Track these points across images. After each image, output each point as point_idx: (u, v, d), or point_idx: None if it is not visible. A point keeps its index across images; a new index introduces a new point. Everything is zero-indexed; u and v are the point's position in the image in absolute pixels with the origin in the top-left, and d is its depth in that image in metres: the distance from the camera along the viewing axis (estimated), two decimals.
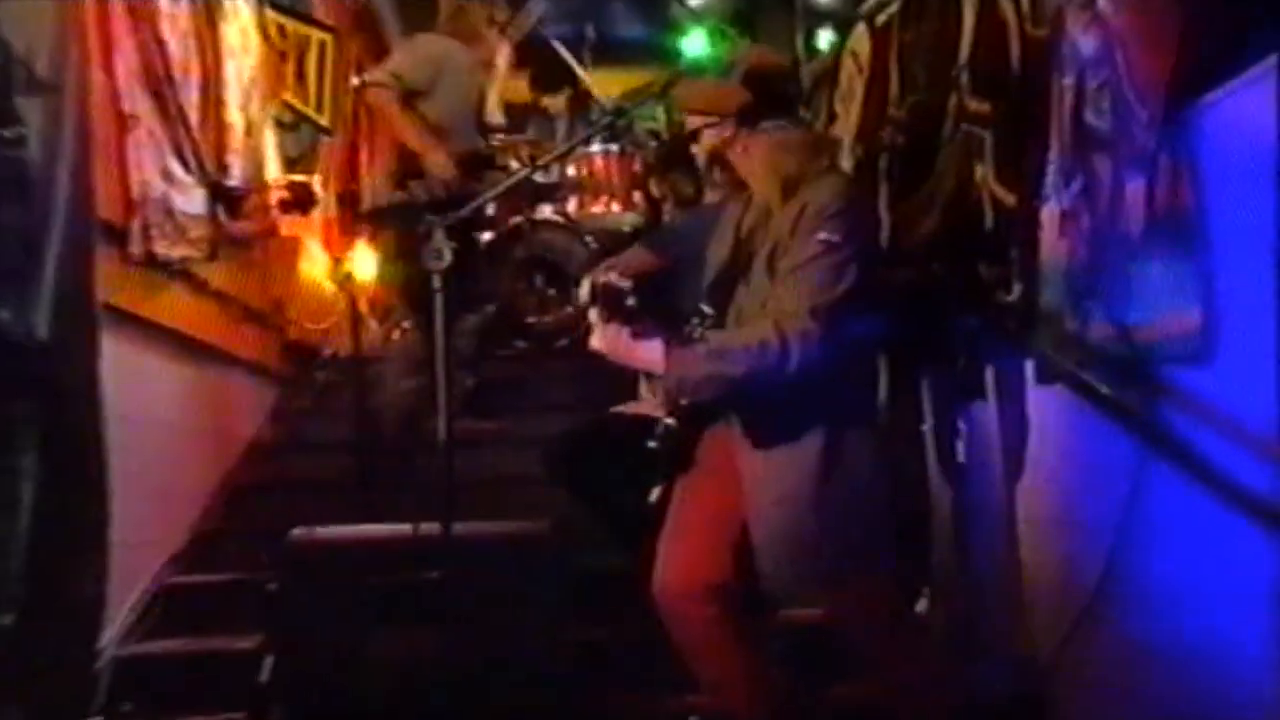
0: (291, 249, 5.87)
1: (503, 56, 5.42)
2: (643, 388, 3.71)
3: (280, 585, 3.47)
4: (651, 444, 3.04)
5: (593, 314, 2.98)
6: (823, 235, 2.87)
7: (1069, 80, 3.20)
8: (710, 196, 3.85)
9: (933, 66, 4.20)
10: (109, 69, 3.86)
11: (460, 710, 3.11)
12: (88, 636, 3.44)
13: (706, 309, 3.00)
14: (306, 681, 3.33)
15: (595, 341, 2.95)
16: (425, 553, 3.13)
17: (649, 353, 2.88)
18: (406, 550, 3.28)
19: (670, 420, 3.02)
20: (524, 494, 4.07)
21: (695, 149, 3.28)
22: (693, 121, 3.18)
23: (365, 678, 3.26)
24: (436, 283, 3.11)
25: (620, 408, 3.92)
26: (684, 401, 2.96)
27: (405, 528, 3.34)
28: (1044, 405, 3.53)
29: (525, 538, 3.51)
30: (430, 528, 3.10)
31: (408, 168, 4.95)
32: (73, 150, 3.29)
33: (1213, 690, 2.69)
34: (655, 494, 3.11)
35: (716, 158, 3.15)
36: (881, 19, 4.77)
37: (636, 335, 2.90)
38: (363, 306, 5.87)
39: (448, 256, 3.06)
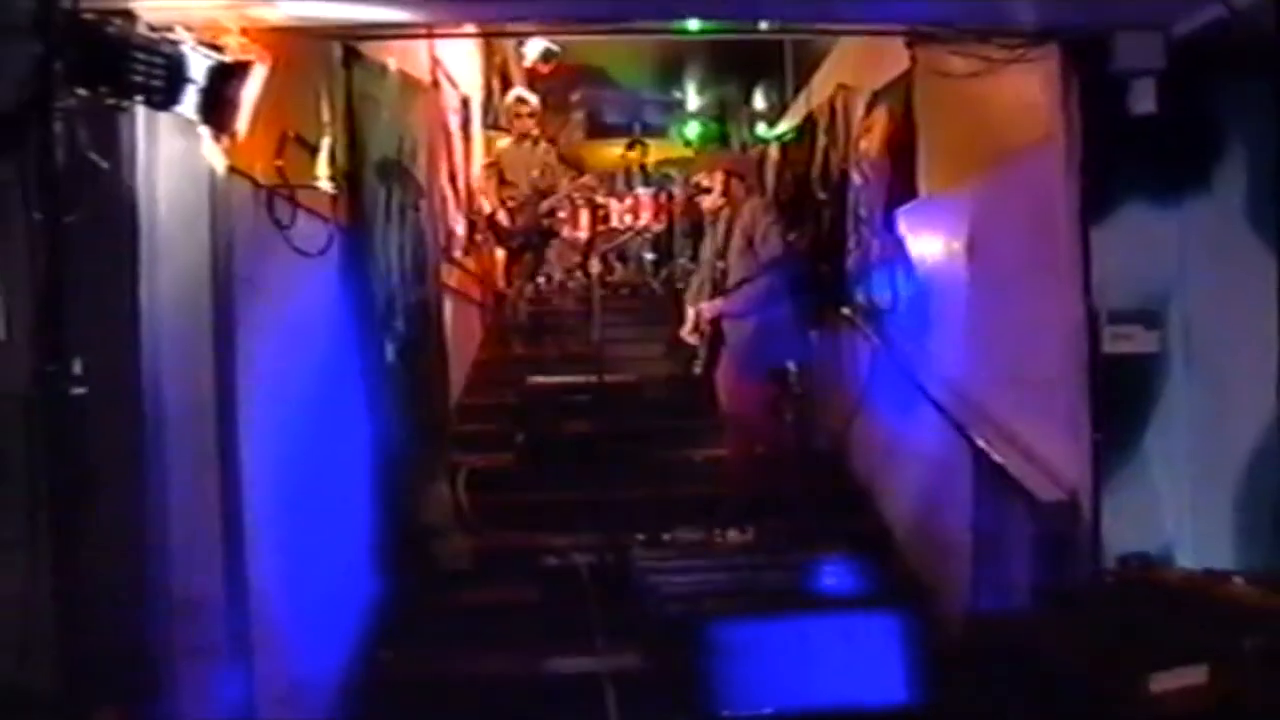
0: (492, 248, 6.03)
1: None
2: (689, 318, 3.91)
3: (519, 401, 4.36)
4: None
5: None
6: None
7: (851, 195, 4.05)
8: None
9: (804, 168, 4.94)
10: (437, 177, 4.38)
11: (601, 448, 3.79)
12: (445, 420, 4.13)
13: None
14: (535, 440, 4.17)
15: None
16: (584, 387, 4.05)
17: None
18: (575, 386, 4.15)
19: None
20: (629, 363, 4.66)
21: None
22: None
23: (559, 438, 4.10)
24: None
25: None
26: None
27: (573, 378, 4.23)
28: (845, 332, 4.24)
29: (629, 382, 4.36)
30: (585, 377, 4.03)
31: None
32: (430, 214, 4.02)
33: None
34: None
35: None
36: (788, 138, 5.56)
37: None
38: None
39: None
